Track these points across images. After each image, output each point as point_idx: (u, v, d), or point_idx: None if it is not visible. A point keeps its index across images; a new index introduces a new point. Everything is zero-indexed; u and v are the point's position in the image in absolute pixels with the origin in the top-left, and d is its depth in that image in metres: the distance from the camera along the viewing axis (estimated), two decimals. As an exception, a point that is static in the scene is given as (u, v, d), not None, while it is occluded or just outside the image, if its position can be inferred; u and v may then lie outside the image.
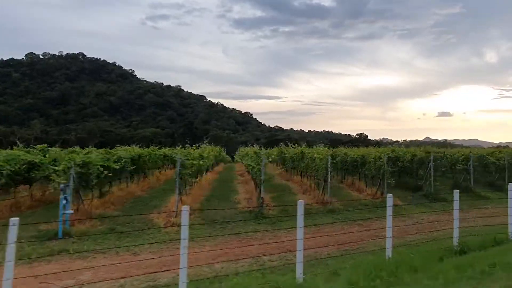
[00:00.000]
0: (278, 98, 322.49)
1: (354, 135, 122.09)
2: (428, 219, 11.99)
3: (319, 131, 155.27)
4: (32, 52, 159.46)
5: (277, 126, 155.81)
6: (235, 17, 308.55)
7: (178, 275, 5.15)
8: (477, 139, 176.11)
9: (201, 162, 14.39)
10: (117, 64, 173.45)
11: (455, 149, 30.57)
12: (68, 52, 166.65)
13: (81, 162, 10.37)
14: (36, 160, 12.01)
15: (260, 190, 12.73)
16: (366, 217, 11.68)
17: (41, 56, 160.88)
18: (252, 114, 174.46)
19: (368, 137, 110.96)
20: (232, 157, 45.44)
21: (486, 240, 7.87)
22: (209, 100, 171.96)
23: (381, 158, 15.25)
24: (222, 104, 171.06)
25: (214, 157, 27.86)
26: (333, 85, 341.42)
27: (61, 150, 13.83)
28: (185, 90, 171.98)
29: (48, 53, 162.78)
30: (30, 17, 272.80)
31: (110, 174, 11.72)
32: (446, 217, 10.89)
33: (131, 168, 15.27)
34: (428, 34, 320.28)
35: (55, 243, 8.49)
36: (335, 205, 13.21)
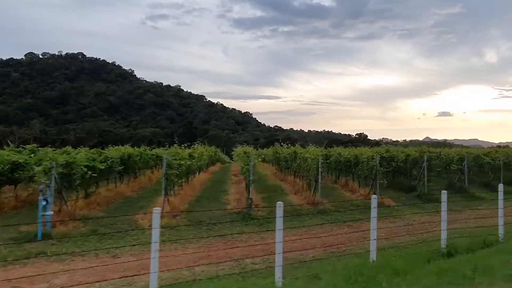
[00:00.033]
0: (278, 98, 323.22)
1: (354, 135, 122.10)
2: (419, 220, 11.80)
3: (319, 131, 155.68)
4: (31, 52, 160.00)
5: (276, 126, 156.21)
6: (235, 17, 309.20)
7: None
8: (477, 139, 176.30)
9: (188, 163, 14.17)
10: (116, 64, 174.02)
11: (452, 149, 30.36)
12: (67, 52, 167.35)
13: (64, 162, 10.17)
14: (21, 160, 11.80)
15: (249, 190, 12.53)
16: (357, 218, 11.46)
17: (40, 56, 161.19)
18: (251, 114, 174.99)
19: (368, 137, 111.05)
20: (231, 157, 45.34)
21: (475, 242, 7.69)
22: (209, 100, 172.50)
23: (373, 158, 15.05)
24: (221, 104, 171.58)
25: (209, 157, 27.65)
26: (333, 85, 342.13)
27: (54, 151, 13.60)
28: (185, 90, 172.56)
29: (48, 53, 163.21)
30: (30, 17, 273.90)
31: (95, 175, 11.51)
32: (438, 218, 10.57)
33: (120, 168, 15.04)
34: (428, 34, 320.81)
35: (34, 245, 8.29)
36: (326, 206, 13.01)
